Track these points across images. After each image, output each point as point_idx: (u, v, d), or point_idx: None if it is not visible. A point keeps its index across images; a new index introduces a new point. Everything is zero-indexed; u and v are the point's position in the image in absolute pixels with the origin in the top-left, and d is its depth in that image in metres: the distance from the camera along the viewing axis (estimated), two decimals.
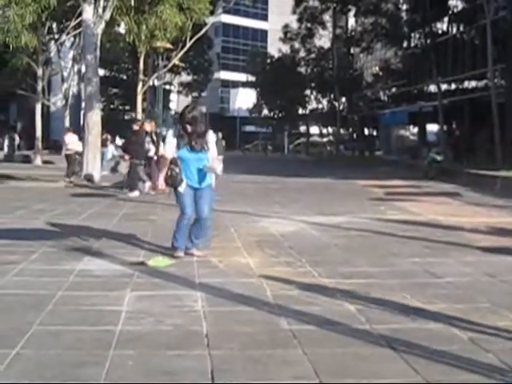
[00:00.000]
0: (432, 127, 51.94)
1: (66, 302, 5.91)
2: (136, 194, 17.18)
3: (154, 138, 18.33)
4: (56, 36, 36.52)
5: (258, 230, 10.94)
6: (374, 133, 71.39)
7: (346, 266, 7.86)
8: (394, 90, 61.57)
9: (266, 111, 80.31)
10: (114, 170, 23.80)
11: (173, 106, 75.03)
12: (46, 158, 34.81)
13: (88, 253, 8.33)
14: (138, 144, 18.05)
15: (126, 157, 18.48)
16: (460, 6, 45.46)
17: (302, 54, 68.17)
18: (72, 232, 10.10)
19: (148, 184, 17.74)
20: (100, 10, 23.03)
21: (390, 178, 27.06)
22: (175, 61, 40.66)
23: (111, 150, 29.75)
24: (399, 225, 11.91)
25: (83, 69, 26.65)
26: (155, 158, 17.87)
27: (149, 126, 18.40)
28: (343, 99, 65.73)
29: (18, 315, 5.44)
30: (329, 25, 63.52)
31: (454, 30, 48.12)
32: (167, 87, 57.26)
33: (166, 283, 6.75)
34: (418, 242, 9.93)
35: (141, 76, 41.54)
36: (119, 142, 32.95)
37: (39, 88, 34.83)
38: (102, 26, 23.16)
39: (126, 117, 60.96)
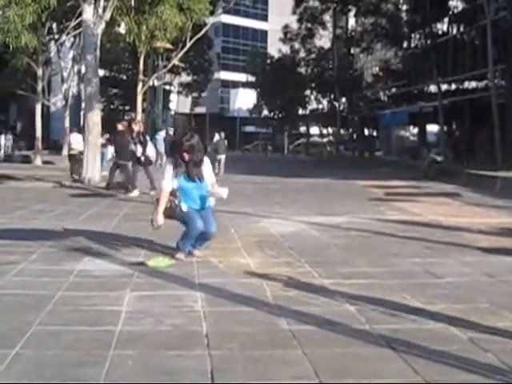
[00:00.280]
0: (432, 128, 51.98)
1: (65, 302, 5.91)
2: (136, 193, 17.16)
3: (142, 138, 18.16)
4: (56, 36, 36.50)
5: (258, 231, 10.94)
6: (374, 133, 71.43)
7: (345, 267, 7.86)
8: (394, 90, 61.60)
9: (265, 111, 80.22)
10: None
11: (173, 106, 75.06)
12: (46, 159, 34.80)
13: (88, 253, 8.33)
14: (122, 144, 17.99)
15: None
16: (460, 6, 45.51)
17: (302, 54, 68.15)
18: (72, 232, 10.10)
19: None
20: (100, 11, 23.00)
21: (390, 178, 27.06)
22: (175, 61, 40.77)
23: (111, 151, 29.73)
24: (399, 225, 11.92)
25: (83, 69, 26.60)
26: (142, 158, 17.81)
27: (136, 127, 18.26)
28: (343, 99, 65.70)
29: (18, 315, 5.44)
30: (329, 25, 63.53)
31: (455, 30, 48.15)
32: (167, 87, 57.32)
33: (165, 283, 6.75)
34: (418, 242, 9.93)
35: (141, 76, 41.59)
36: None
37: (39, 88, 34.81)
38: (102, 26, 23.13)
39: (126, 117, 60.96)
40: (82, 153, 22.44)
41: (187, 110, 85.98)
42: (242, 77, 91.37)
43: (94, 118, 21.92)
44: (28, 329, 5.02)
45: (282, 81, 66.02)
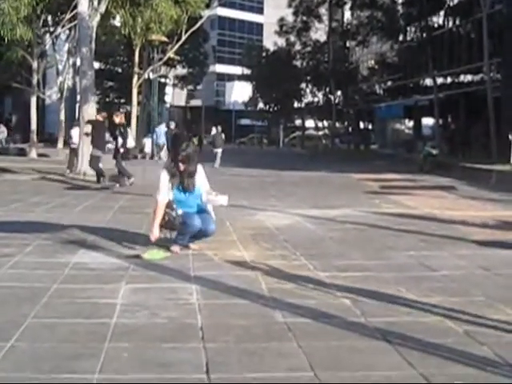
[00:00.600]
0: (427, 121, 51.98)
1: (60, 294, 5.90)
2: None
3: (122, 130, 18.05)
4: (51, 29, 36.35)
5: (253, 224, 10.95)
6: (370, 126, 71.39)
7: (341, 259, 7.86)
8: (389, 83, 61.56)
9: (261, 104, 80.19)
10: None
11: (168, 99, 74.94)
12: (41, 151, 34.73)
13: (83, 246, 8.32)
14: (99, 135, 17.88)
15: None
16: None
17: (298, 47, 68.02)
18: (67, 225, 10.09)
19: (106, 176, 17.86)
20: (95, 3, 22.96)
21: (385, 171, 27.09)
22: (170, 54, 40.70)
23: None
24: (394, 218, 11.93)
25: (78, 62, 26.60)
26: (121, 150, 17.77)
27: (117, 119, 18.16)
28: (339, 93, 65.61)
29: (13, 308, 5.44)
30: (325, 18, 63.36)
31: (450, 23, 48.07)
32: (162, 80, 57.21)
33: (161, 276, 6.75)
34: (414, 235, 9.94)
35: (136, 69, 41.55)
36: None
37: (34, 81, 34.69)
38: (98, 18, 23.09)
39: (122, 110, 60.83)
40: None
41: (182, 103, 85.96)
42: (237, 70, 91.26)
43: (89, 111, 21.89)
44: (23, 321, 5.01)
45: (278, 74, 65.97)
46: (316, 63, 67.32)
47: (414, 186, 20.16)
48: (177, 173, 7.89)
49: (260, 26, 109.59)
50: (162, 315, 5.34)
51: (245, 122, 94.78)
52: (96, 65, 34.30)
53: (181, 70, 66.77)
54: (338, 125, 67.71)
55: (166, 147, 28.78)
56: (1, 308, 5.44)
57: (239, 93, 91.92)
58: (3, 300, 5.68)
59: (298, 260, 7.76)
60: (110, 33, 35.18)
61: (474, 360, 4.33)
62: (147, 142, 36.67)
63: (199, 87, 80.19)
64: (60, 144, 36.33)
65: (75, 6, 25.10)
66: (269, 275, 6.83)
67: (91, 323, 5.08)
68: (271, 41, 73.85)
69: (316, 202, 14.84)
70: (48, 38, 36.63)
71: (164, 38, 34.68)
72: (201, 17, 40.07)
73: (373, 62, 65.59)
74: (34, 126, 34.55)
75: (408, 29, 51.04)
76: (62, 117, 37.49)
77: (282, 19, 66.35)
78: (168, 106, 78.55)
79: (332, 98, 64.65)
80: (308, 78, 68.88)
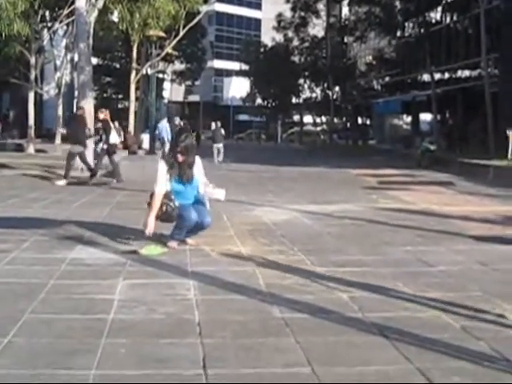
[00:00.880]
0: (425, 116, 52.03)
1: (57, 290, 5.89)
2: (63, 182, 16.99)
3: (106, 126, 17.96)
4: (49, 24, 36.22)
5: (251, 219, 10.94)
6: (368, 122, 71.43)
7: (338, 255, 7.87)
8: (387, 79, 61.59)
9: (259, 100, 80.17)
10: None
11: (166, 94, 74.90)
12: (39, 147, 34.66)
13: (80, 241, 8.31)
14: (79, 131, 17.73)
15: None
16: None
17: (296, 42, 68.08)
18: (64, 221, 10.07)
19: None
20: None
21: (383, 166, 27.10)
22: (168, 49, 40.64)
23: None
24: (392, 213, 11.94)
25: (76, 57, 26.51)
26: (105, 146, 17.75)
27: (102, 115, 18.06)
28: (337, 88, 65.64)
29: (10, 304, 5.43)
30: (322, 14, 63.43)
31: (448, 19, 48.10)
32: (160, 76, 57.09)
33: (158, 272, 6.75)
34: (411, 230, 9.95)
35: (134, 65, 41.50)
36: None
37: (32, 76, 34.58)
38: (95, 14, 23.03)
39: (120, 105, 60.81)
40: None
41: (180, 99, 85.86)
42: (235, 65, 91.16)
43: (87, 107, 21.83)
44: (20, 317, 5.01)
45: (276, 69, 65.91)
46: (314, 59, 67.33)
47: (412, 182, 20.16)
48: (175, 164, 7.88)
49: (258, 21, 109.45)
50: (160, 311, 5.33)
51: (243, 117, 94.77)
52: (94, 60, 34.23)
53: (179, 66, 66.71)
54: (336, 120, 67.76)
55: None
56: None
57: (237, 88, 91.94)
58: (0, 296, 5.67)
59: (295, 255, 7.76)
60: (107, 28, 35.12)
61: (471, 355, 4.34)
62: (145, 138, 36.60)
63: (197, 83, 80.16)
64: (58, 140, 36.26)
65: (73, 2, 24.98)
66: (266, 270, 6.83)
67: (88, 319, 5.07)
68: (269, 36, 73.74)
69: (314, 197, 14.84)
70: (46, 34, 36.49)
71: (162, 34, 34.69)
72: (199, 12, 39.99)
73: (371, 57, 65.62)
74: (31, 121, 34.47)
75: (406, 24, 50.97)
76: (60, 112, 37.41)
77: (279, 15, 66.38)
78: (166, 101, 78.46)
79: (330, 93, 64.71)
80: (306, 73, 68.85)
